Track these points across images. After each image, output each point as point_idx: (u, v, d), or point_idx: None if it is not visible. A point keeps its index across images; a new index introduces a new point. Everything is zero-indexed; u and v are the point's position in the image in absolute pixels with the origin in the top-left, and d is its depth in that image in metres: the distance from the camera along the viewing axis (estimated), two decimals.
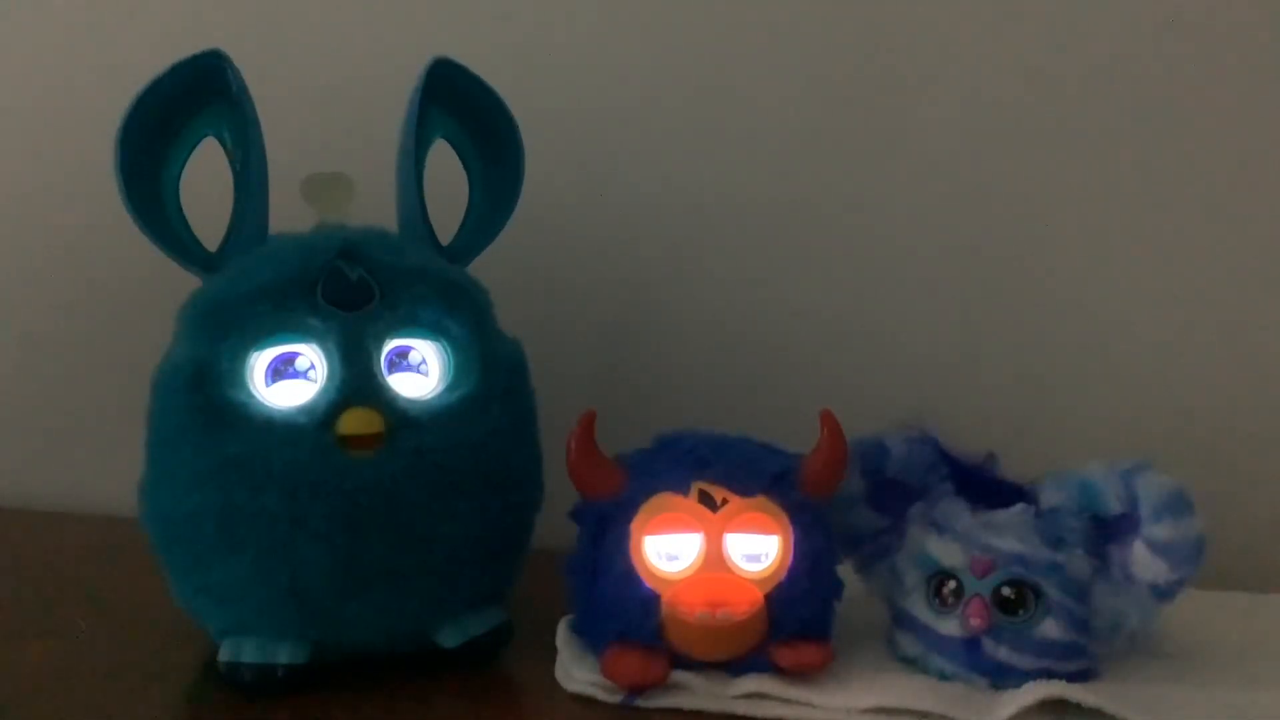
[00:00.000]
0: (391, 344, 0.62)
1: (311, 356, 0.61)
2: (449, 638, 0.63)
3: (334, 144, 0.84)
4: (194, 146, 0.65)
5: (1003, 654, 0.62)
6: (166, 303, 0.64)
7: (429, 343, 0.63)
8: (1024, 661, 0.61)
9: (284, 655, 0.61)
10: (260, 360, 0.61)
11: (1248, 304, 0.83)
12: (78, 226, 0.88)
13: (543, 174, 0.85)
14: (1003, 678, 0.61)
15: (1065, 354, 0.85)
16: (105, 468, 0.87)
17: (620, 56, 0.85)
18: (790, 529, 0.62)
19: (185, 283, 0.64)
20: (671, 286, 0.87)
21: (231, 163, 0.65)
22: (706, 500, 0.61)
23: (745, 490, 0.61)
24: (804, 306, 0.86)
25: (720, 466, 0.62)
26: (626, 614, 0.61)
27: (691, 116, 0.85)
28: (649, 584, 0.61)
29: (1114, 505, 0.62)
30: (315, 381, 0.61)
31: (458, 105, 0.69)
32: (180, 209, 0.64)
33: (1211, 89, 0.82)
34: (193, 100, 0.64)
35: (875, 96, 0.84)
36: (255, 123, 0.64)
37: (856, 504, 0.67)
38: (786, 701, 0.61)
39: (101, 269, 0.88)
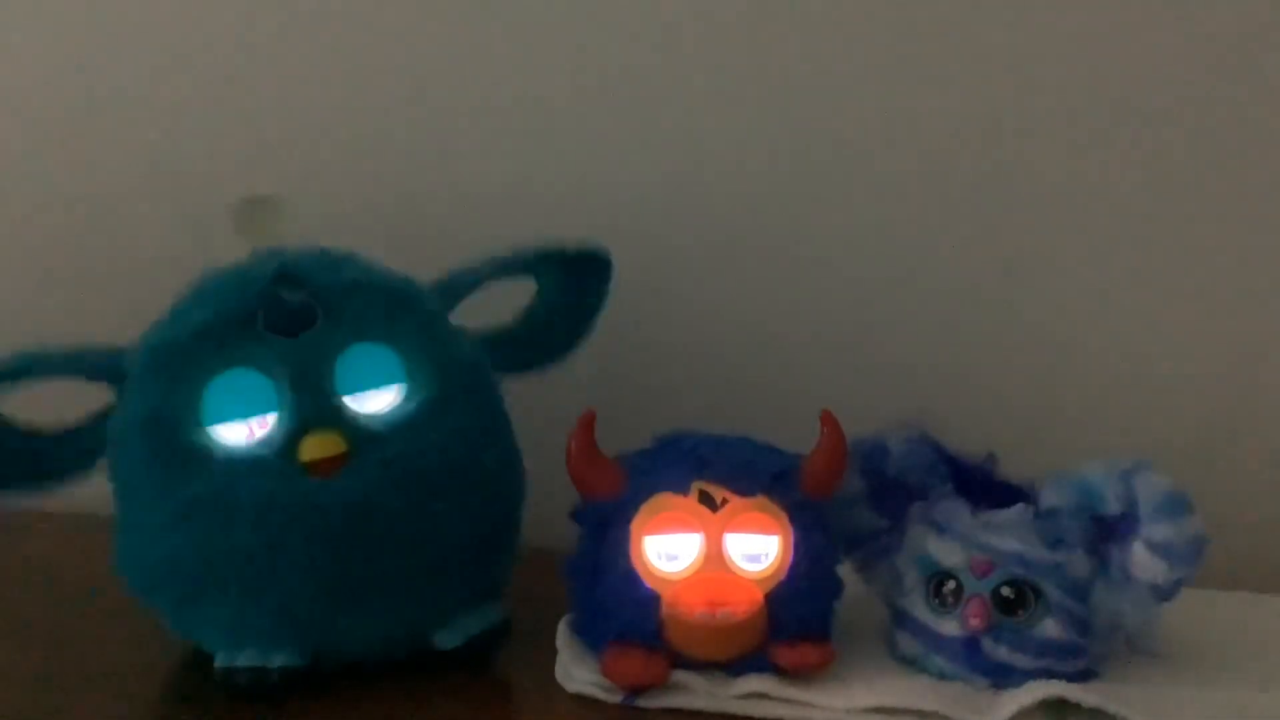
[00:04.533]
0: (342, 361, 0.61)
1: (263, 387, 0.60)
2: (447, 639, 0.63)
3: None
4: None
5: (1002, 654, 0.62)
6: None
7: (380, 353, 0.63)
8: (1024, 661, 0.61)
9: (280, 659, 0.60)
10: (212, 398, 0.60)
11: (1248, 305, 0.83)
12: (78, 226, 0.88)
13: (542, 174, 0.85)
14: (1002, 678, 0.61)
15: (1065, 354, 0.85)
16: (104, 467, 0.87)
17: (619, 59, 0.85)
18: (790, 529, 0.62)
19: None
20: (672, 286, 0.87)
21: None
22: (706, 500, 0.61)
23: (745, 490, 0.62)
24: (804, 307, 0.86)
25: (720, 466, 0.62)
26: (626, 614, 0.61)
27: (691, 118, 0.85)
28: (649, 584, 0.61)
29: (1113, 505, 0.62)
30: (271, 413, 0.60)
31: (576, 281, 0.72)
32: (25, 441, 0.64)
33: (1213, 91, 0.82)
34: None
35: (875, 97, 0.84)
36: (8, 366, 0.62)
37: (856, 504, 0.67)
38: (786, 701, 0.61)
39: (102, 268, 0.88)
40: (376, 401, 0.62)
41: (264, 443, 0.60)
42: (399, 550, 0.60)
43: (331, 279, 0.62)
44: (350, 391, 0.62)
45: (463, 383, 0.64)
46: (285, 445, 0.59)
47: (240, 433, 0.60)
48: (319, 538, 0.59)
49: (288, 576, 0.59)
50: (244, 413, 0.60)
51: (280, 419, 0.60)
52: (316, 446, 0.59)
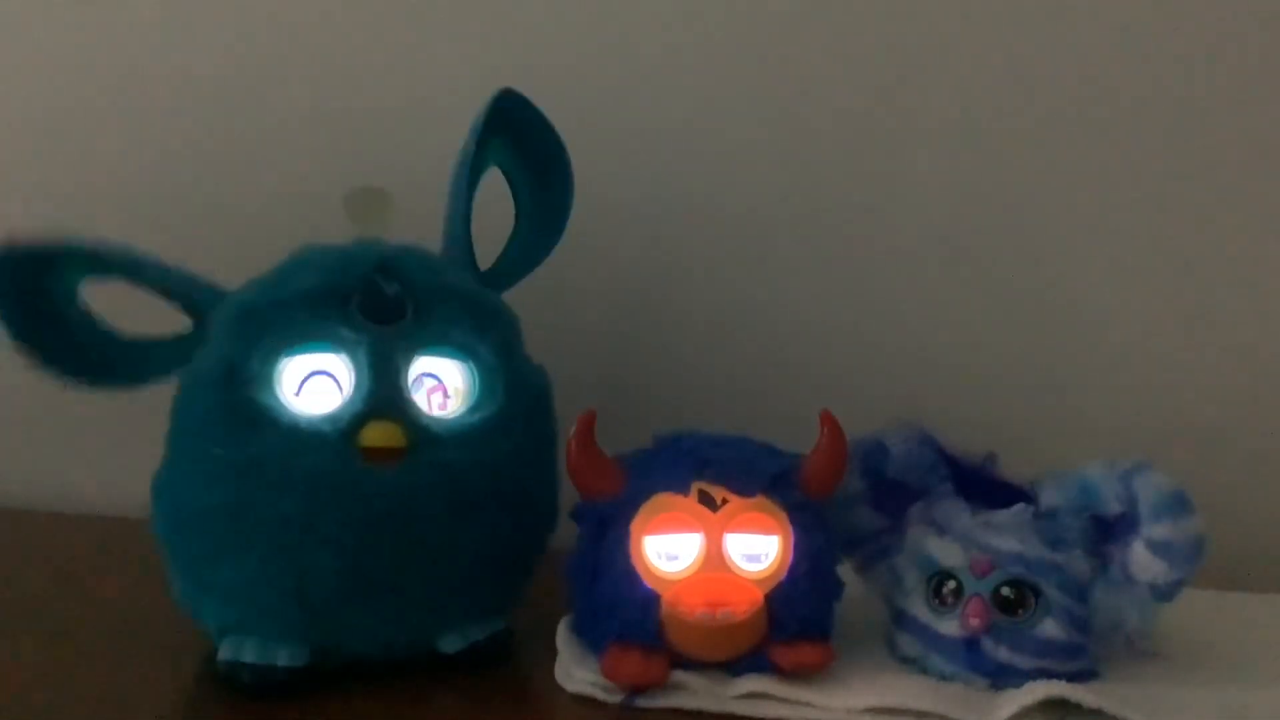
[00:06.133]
0: (419, 360, 0.62)
1: (341, 367, 0.61)
2: (450, 644, 0.64)
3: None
4: (75, 300, 0.63)
5: (1002, 654, 0.62)
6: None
7: (456, 362, 0.64)
8: (1023, 661, 0.61)
9: (284, 657, 0.61)
10: (290, 366, 0.61)
11: (1247, 304, 0.83)
12: (80, 226, 0.88)
13: None
14: (1002, 678, 0.61)
15: (1064, 354, 0.85)
16: (105, 468, 0.87)
17: (619, 63, 0.85)
18: (790, 529, 0.62)
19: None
20: (672, 287, 0.87)
21: (132, 283, 0.64)
22: (706, 500, 0.61)
23: (745, 490, 0.61)
24: (804, 307, 0.86)
25: (720, 466, 0.62)
26: (626, 614, 0.61)
27: (691, 120, 0.85)
28: (649, 584, 0.61)
29: (1113, 505, 0.62)
30: (342, 391, 0.61)
31: (517, 137, 0.70)
32: (114, 339, 0.64)
33: (1208, 94, 0.82)
34: (32, 276, 0.62)
35: (874, 99, 0.84)
36: (109, 254, 0.63)
37: (856, 504, 0.67)
38: (786, 701, 0.61)
39: None
40: (443, 406, 0.63)
41: (329, 419, 0.60)
42: (426, 554, 0.61)
43: (428, 280, 0.63)
44: (421, 391, 0.62)
45: (525, 406, 0.65)
46: (349, 427, 0.60)
47: (309, 404, 0.61)
48: (354, 523, 0.59)
49: (313, 554, 0.59)
50: (317, 387, 0.61)
51: (350, 401, 0.61)
52: (378, 434, 0.60)
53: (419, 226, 0.67)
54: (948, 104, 0.84)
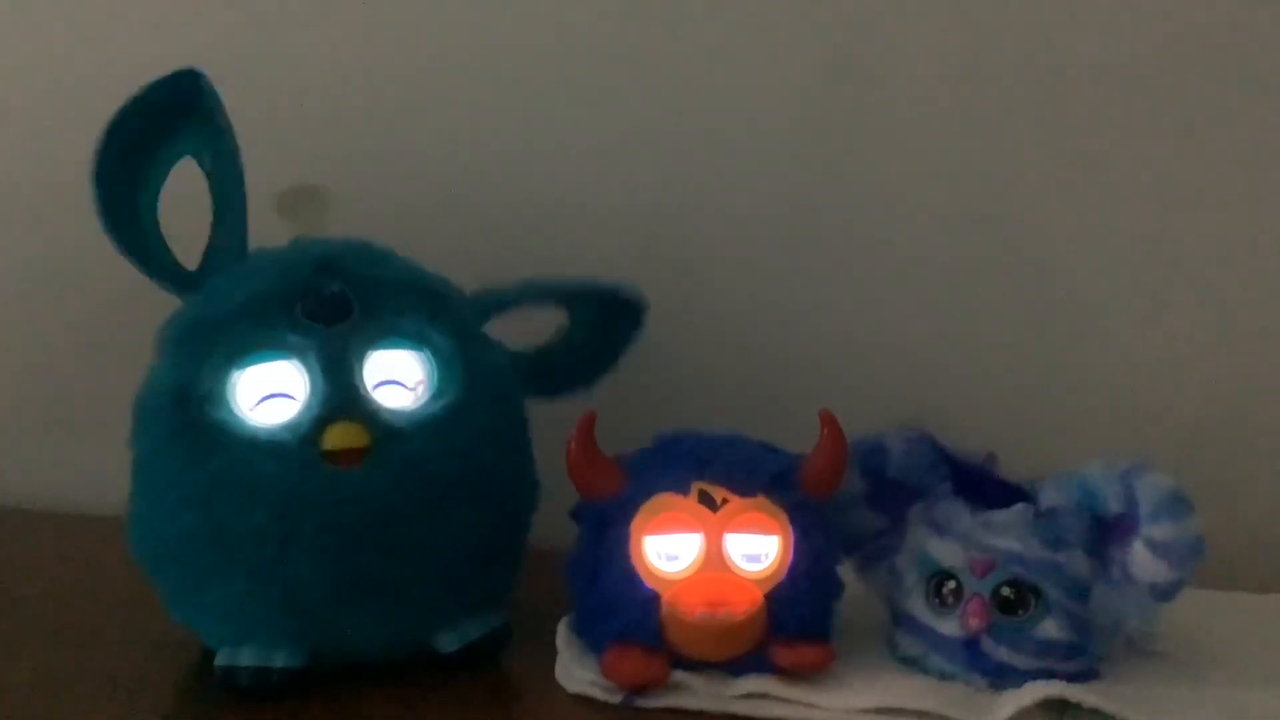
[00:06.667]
0: (373, 356, 0.62)
1: (293, 373, 0.61)
2: (447, 643, 0.63)
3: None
4: (171, 166, 0.64)
5: (1002, 654, 0.62)
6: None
7: (412, 353, 0.63)
8: (1023, 661, 0.61)
9: (281, 659, 0.60)
10: (242, 379, 0.61)
11: (1247, 304, 0.83)
12: (80, 226, 0.88)
13: (545, 176, 0.85)
14: (1002, 678, 0.61)
15: (1065, 354, 0.85)
16: (105, 468, 0.87)
17: (619, 63, 0.85)
18: (790, 529, 0.62)
19: None
20: (672, 287, 0.86)
21: (210, 182, 0.64)
22: (706, 500, 0.61)
23: (745, 490, 0.62)
24: (804, 306, 0.86)
25: (720, 466, 0.62)
26: (626, 614, 0.61)
27: (692, 119, 0.85)
28: (649, 584, 0.61)
29: (1113, 505, 0.62)
30: (298, 398, 0.61)
31: (607, 317, 0.72)
32: (158, 230, 0.64)
33: (1209, 91, 0.82)
34: (168, 120, 0.63)
35: (875, 98, 0.84)
36: (232, 141, 0.63)
37: (856, 504, 0.67)
38: (786, 701, 0.61)
39: (104, 268, 0.87)
40: (403, 398, 0.62)
41: (288, 428, 0.60)
42: (409, 549, 0.60)
43: (371, 273, 0.63)
44: (378, 386, 0.62)
45: (489, 390, 0.64)
46: (309, 432, 0.59)
47: (266, 415, 0.60)
48: (332, 528, 0.59)
49: (296, 564, 0.59)
50: (272, 396, 0.61)
51: (307, 406, 0.60)
52: (340, 436, 0.59)
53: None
54: (948, 103, 0.84)
